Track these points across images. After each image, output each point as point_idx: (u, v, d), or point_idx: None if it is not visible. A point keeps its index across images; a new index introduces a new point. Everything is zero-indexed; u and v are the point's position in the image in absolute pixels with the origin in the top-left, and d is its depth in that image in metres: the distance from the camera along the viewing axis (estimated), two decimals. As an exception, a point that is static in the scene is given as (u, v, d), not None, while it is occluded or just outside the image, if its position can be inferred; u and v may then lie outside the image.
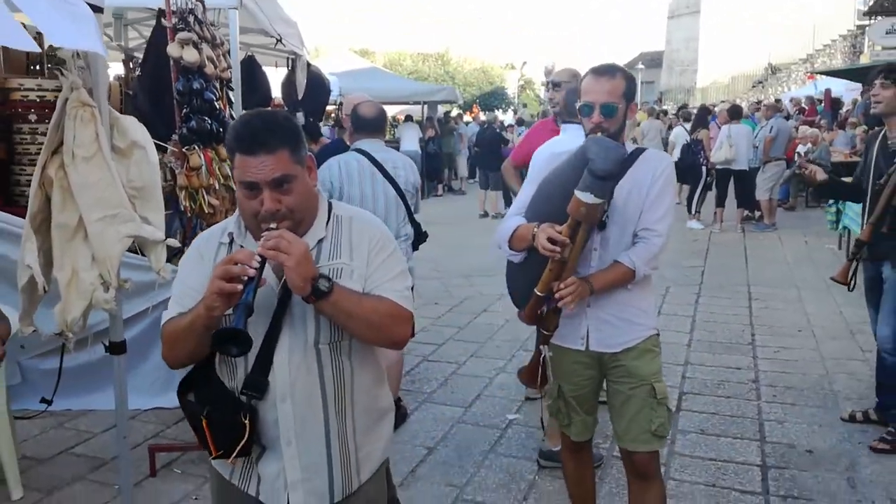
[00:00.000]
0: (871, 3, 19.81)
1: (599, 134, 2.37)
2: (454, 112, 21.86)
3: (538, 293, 2.40)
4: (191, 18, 3.43)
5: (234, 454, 1.75)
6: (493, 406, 4.53)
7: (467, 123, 18.62)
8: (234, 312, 1.59)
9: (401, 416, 4.24)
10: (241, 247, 1.77)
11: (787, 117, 12.53)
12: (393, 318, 1.78)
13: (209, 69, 3.45)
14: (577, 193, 2.22)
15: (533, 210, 2.51)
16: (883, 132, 3.86)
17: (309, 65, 7.84)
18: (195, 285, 1.77)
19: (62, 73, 2.89)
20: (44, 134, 4.29)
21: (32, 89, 4.40)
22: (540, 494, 3.48)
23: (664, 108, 26.55)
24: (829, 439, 4.05)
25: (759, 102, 16.46)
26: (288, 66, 7.70)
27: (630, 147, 2.54)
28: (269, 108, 1.98)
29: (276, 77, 8.43)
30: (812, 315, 6.38)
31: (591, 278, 2.44)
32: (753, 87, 35.88)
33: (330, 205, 1.87)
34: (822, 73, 20.49)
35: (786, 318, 6.39)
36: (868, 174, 3.85)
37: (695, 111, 13.96)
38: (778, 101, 16.00)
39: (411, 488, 3.55)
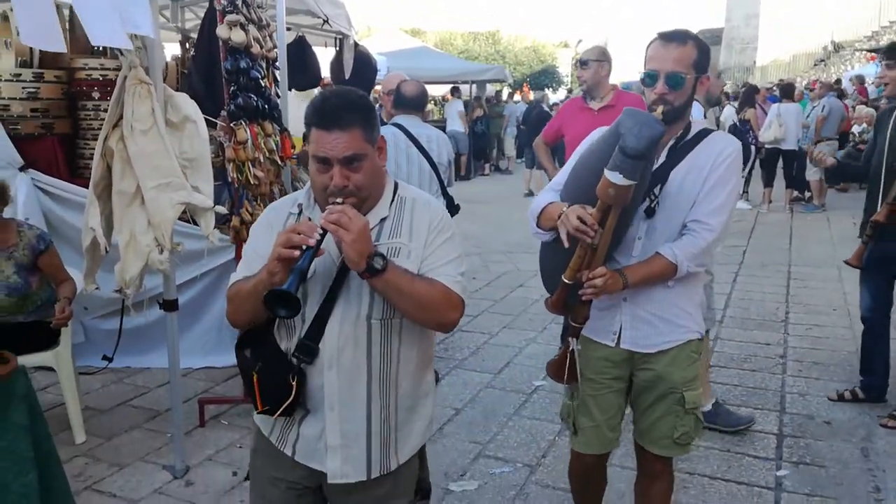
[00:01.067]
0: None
1: (660, 110, 2.15)
2: (504, 91, 21.86)
3: (565, 280, 2.18)
4: (238, 1, 3.67)
5: (279, 412, 1.82)
6: (521, 373, 4.74)
7: (516, 102, 18.63)
8: (290, 276, 1.64)
9: (434, 381, 4.48)
10: (309, 218, 1.84)
11: (841, 96, 12.24)
12: (444, 301, 1.81)
13: (255, 49, 3.69)
14: (606, 173, 1.99)
15: (567, 189, 2.28)
16: None
17: (356, 45, 8.05)
18: (262, 252, 1.83)
19: (122, 53, 3.17)
20: (106, 110, 4.65)
21: (96, 68, 4.74)
22: (559, 453, 3.67)
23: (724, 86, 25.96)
24: (849, 412, 4.13)
25: (814, 81, 16.06)
26: (336, 46, 7.93)
27: (697, 126, 2.30)
28: (347, 87, 2.13)
29: (325, 57, 8.69)
30: (849, 294, 6.37)
31: (626, 270, 2.22)
32: (815, 65, 34.77)
33: (396, 185, 1.92)
34: (875, 50, 19.78)
35: (822, 296, 6.41)
36: (882, 154, 3.89)
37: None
38: (838, 81, 15.61)
39: (437, 444, 3.79)
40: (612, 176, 1.98)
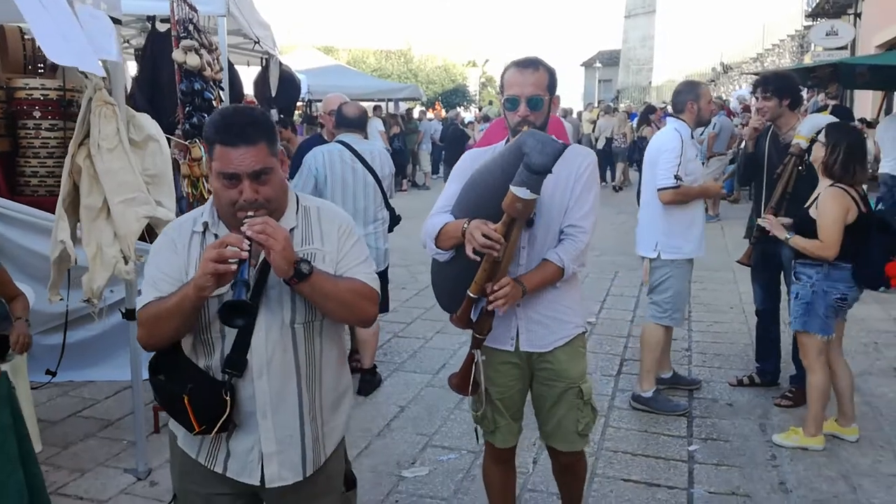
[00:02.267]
0: (813, 6, 20.78)
1: (525, 129, 2.29)
2: (416, 109, 22.34)
3: (471, 295, 2.30)
4: (190, 27, 3.90)
5: (216, 429, 1.84)
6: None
7: (430, 120, 19.13)
8: (234, 289, 1.69)
9: (376, 382, 4.78)
10: (216, 235, 1.87)
11: (731, 115, 13.30)
12: (363, 297, 1.92)
13: (207, 72, 3.93)
14: (513, 189, 2.11)
15: (461, 207, 2.40)
16: (772, 129, 4.51)
17: (280, 64, 8.28)
18: (170, 271, 1.87)
19: (86, 76, 3.35)
20: (47, 129, 4.80)
21: (37, 88, 4.82)
22: (498, 440, 4.03)
23: (619, 105, 27.34)
24: (747, 395, 4.69)
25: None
26: (261, 65, 8.13)
27: None
28: (246, 105, 2.28)
29: (246, 75, 8.85)
30: (744, 294, 7.03)
31: (523, 279, 2.39)
32: (706, 85, 36.95)
33: (297, 196, 2.00)
34: (754, 73, 21.36)
35: (721, 297, 7.08)
36: (762, 167, 4.49)
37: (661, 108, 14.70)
38: (721, 99, 16.84)
39: (386, 437, 4.09)
40: (520, 191, 2.10)
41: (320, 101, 15.71)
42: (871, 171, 7.98)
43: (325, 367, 1.96)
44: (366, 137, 4.61)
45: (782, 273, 4.56)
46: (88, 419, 4.35)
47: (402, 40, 39.74)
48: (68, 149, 3.34)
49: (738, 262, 4.83)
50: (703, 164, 11.49)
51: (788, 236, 3.80)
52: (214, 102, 4.04)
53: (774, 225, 3.91)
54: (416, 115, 20.11)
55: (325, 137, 4.81)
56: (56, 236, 3.27)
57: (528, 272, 2.43)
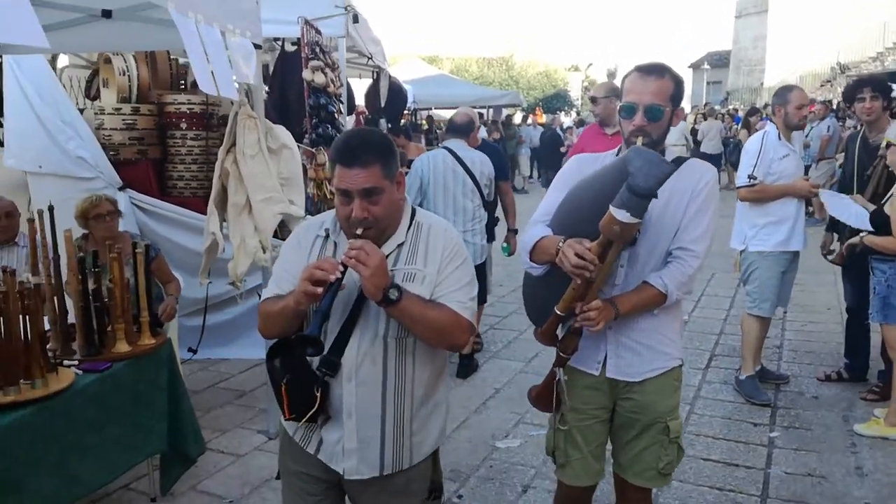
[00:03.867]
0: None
1: (640, 140, 2.15)
2: (517, 115, 22.72)
3: (558, 312, 2.18)
4: (317, 49, 4.47)
5: (304, 419, 1.97)
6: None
7: (529, 125, 19.49)
8: (313, 318, 1.82)
9: (473, 367, 5.23)
10: (335, 243, 2.03)
11: (843, 118, 12.96)
12: (454, 326, 1.96)
13: (331, 88, 4.49)
14: (612, 210, 1.97)
15: (559, 220, 2.26)
16: (862, 132, 4.65)
17: (389, 76, 8.89)
18: (291, 269, 2.01)
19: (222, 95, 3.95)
20: (192, 138, 5.50)
21: (183, 103, 5.54)
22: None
23: (729, 107, 26.74)
24: (834, 389, 4.82)
25: (819, 102, 16.80)
26: (372, 77, 8.75)
27: (671, 154, 2.31)
28: (368, 127, 2.41)
29: (358, 87, 9.52)
30: (843, 296, 7.04)
31: (617, 300, 2.20)
32: (822, 85, 35.41)
33: (413, 211, 2.06)
34: (860, 76, 20.47)
35: (818, 298, 7.10)
36: (853, 169, 4.63)
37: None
38: (839, 103, 16.31)
39: (482, 414, 4.52)
40: (619, 214, 1.95)
41: (425, 109, 16.37)
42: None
43: (415, 383, 2.02)
44: (471, 143, 5.05)
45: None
46: (226, 390, 5.00)
47: (504, 47, 40.28)
48: (218, 155, 3.96)
49: (830, 260, 4.98)
50: (811, 166, 11.32)
51: (862, 236, 3.97)
52: (336, 115, 4.59)
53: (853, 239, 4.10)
54: (516, 120, 20.49)
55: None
56: (208, 229, 3.89)
57: (625, 293, 2.23)
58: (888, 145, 4.10)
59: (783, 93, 4.73)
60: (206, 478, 3.74)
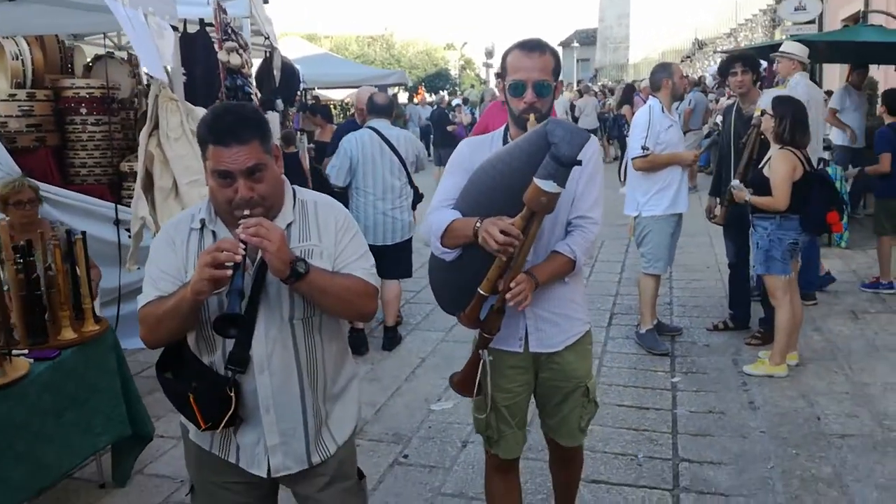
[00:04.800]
0: (782, -18, 21.42)
1: (532, 117, 2.21)
2: (402, 94, 22.87)
3: (483, 293, 2.17)
4: (229, 30, 4.47)
5: (223, 425, 1.85)
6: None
7: (415, 104, 19.70)
8: (229, 298, 1.72)
9: (398, 339, 5.43)
10: (213, 232, 1.89)
11: (705, 91, 13.96)
12: (361, 293, 1.91)
13: (245, 69, 4.51)
14: (538, 181, 1.98)
15: (471, 202, 2.22)
16: (736, 104, 5.20)
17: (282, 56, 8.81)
18: (169, 269, 1.88)
19: (151, 77, 3.92)
20: (94, 124, 5.37)
21: (82, 87, 5.37)
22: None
23: (600, 84, 27.96)
24: (722, 337, 5.38)
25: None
26: (266, 56, 8.65)
27: None
28: (237, 103, 2.29)
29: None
30: (719, 255, 7.72)
31: (534, 271, 2.24)
32: (682, 61, 37.43)
33: (294, 191, 1.99)
34: (725, 51, 22.05)
35: (698, 258, 7.77)
36: (729, 138, 5.17)
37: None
38: (700, 77, 17.52)
39: (413, 381, 4.74)
40: (545, 184, 1.98)
41: (312, 89, 16.17)
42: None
43: (326, 362, 1.98)
44: (392, 123, 5.23)
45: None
46: (148, 378, 4.91)
47: (382, 25, 40.11)
48: (140, 139, 3.92)
49: (713, 221, 5.52)
50: (679, 137, 12.20)
51: (748, 197, 4.47)
52: (252, 96, 4.61)
53: (737, 194, 4.59)
54: (402, 100, 20.64)
55: (358, 122, 5.45)
56: (136, 213, 3.87)
57: (539, 264, 2.28)
58: (762, 113, 4.61)
59: (666, 66, 5.22)
60: (151, 461, 3.76)
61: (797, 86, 5.95)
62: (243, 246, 1.71)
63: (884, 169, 6.17)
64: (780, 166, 4.31)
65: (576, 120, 17.16)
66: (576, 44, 45.60)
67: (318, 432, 1.98)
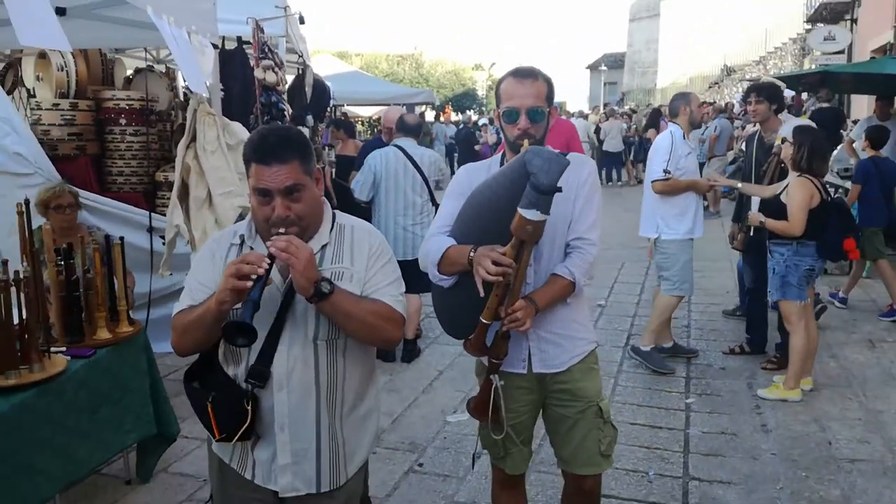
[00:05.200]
0: (811, 12, 21.45)
1: (526, 142, 2.23)
2: (429, 113, 23.15)
3: (485, 321, 2.18)
4: (266, 48, 4.66)
5: (237, 437, 1.87)
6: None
7: (442, 123, 19.95)
8: (243, 307, 1.73)
9: (417, 351, 5.55)
10: (252, 248, 1.93)
11: (731, 119, 14.00)
12: (387, 320, 1.91)
13: (280, 87, 4.69)
14: (522, 211, 2.02)
15: (462, 229, 2.28)
16: (758, 133, 5.28)
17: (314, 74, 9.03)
18: (206, 281, 1.92)
19: (191, 92, 4.11)
20: (132, 134, 5.57)
21: (122, 99, 5.60)
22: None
23: (627, 107, 28.03)
24: (738, 361, 5.42)
25: (710, 104, 18.02)
26: (297, 74, 8.88)
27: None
28: (282, 125, 2.38)
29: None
30: (746, 279, 7.79)
31: (534, 296, 2.27)
32: (710, 87, 37.52)
33: (334, 214, 2.02)
34: (751, 79, 22.07)
35: (717, 282, 7.81)
36: (751, 166, 5.25)
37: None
38: (727, 104, 17.56)
39: (430, 393, 4.85)
40: (529, 214, 2.00)
41: (342, 105, 16.46)
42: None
43: (347, 386, 1.97)
44: (419, 142, 5.40)
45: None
46: (175, 381, 5.06)
47: (411, 44, 40.61)
48: (178, 150, 4.10)
49: (733, 247, 5.60)
50: (703, 163, 12.29)
51: (762, 219, 4.54)
52: (285, 112, 4.79)
53: (752, 217, 4.68)
54: (429, 118, 20.91)
55: (385, 140, 5.62)
56: (171, 221, 4.04)
57: (539, 289, 2.32)
58: (783, 141, 4.70)
59: (685, 95, 5.32)
60: (175, 461, 3.90)
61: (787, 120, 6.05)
62: (269, 260, 1.75)
63: (851, 200, 6.56)
64: (797, 193, 4.38)
65: (601, 143, 17.27)
66: (603, 67, 45.77)
67: (332, 458, 1.97)
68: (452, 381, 5.05)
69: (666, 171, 5.01)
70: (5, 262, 2.65)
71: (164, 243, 4.30)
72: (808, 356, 4.65)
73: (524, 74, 2.34)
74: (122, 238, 3.46)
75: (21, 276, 2.75)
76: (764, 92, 5.27)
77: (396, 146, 5.20)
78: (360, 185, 5.23)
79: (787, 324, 4.63)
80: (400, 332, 1.99)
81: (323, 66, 17.43)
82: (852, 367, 5.23)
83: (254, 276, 1.72)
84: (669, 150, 5.04)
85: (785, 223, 4.41)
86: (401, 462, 3.91)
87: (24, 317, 2.74)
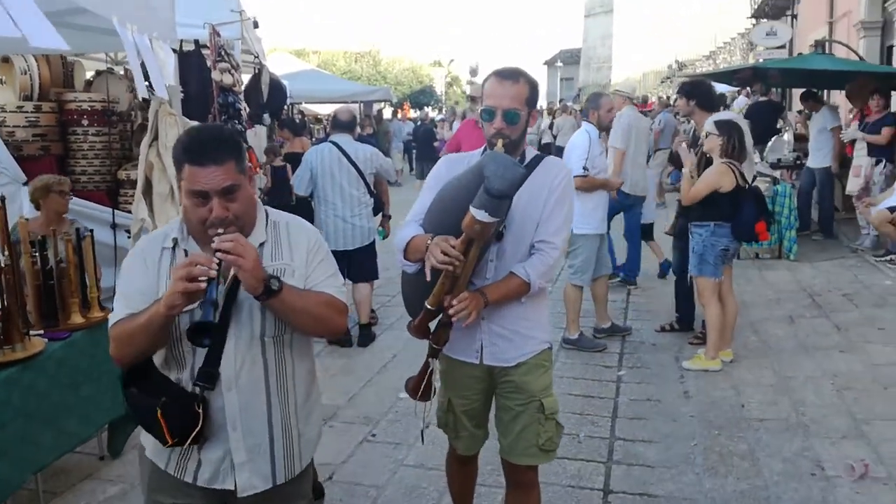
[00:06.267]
0: (755, 8, 22.25)
1: (500, 143, 2.30)
2: (387, 110, 23.43)
3: (429, 307, 2.29)
4: (223, 52, 4.96)
5: (189, 441, 1.86)
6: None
7: (400, 120, 20.27)
8: (203, 308, 1.74)
9: (371, 335, 5.91)
10: (185, 251, 1.91)
11: (676, 113, 14.56)
12: (332, 310, 1.96)
13: (236, 88, 4.99)
14: (472, 210, 2.11)
15: (430, 220, 2.39)
16: (693, 126, 5.76)
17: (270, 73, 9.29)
18: (141, 287, 1.89)
19: (153, 93, 4.40)
20: (95, 135, 5.83)
21: (84, 101, 5.85)
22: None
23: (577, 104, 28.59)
24: (668, 338, 5.89)
25: (659, 98, 18.63)
26: (253, 73, 9.13)
27: (531, 152, 2.50)
28: (214, 124, 2.37)
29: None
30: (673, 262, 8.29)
31: (486, 290, 2.36)
32: (662, 82, 38.44)
33: (266, 212, 2.03)
34: (689, 76, 22.81)
35: (654, 267, 8.29)
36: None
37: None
38: (673, 99, 18.18)
39: (384, 374, 5.22)
40: (478, 214, 2.09)
41: (299, 103, 16.66)
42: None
43: (296, 380, 2.01)
44: (354, 137, 5.73)
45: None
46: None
47: (369, 42, 40.83)
48: (141, 149, 4.39)
49: (665, 232, 6.06)
50: (650, 156, 12.80)
51: (693, 174, 5.05)
52: (242, 111, 5.10)
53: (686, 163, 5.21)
54: (386, 115, 21.21)
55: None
56: (137, 215, 4.33)
57: (493, 283, 2.40)
58: (707, 135, 5.15)
59: (595, 98, 5.78)
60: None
61: (623, 116, 6.85)
62: (217, 260, 1.75)
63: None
64: (709, 175, 4.94)
65: (555, 137, 17.75)
66: (559, 63, 46.46)
67: (287, 450, 2.00)
68: (405, 363, 5.39)
69: (585, 168, 5.38)
70: (-12, 252, 2.94)
71: (129, 237, 4.57)
72: (724, 328, 5.12)
73: (506, 76, 2.39)
74: (91, 231, 3.73)
75: (1, 264, 3.04)
76: (684, 89, 5.74)
77: (332, 142, 5.55)
78: (298, 181, 5.63)
79: (701, 298, 5.10)
80: (345, 321, 2.05)
81: (280, 64, 17.63)
82: (770, 341, 5.73)
83: (204, 278, 1.73)
84: (588, 148, 5.41)
85: (687, 187, 5.00)
86: (356, 434, 4.27)
87: (5, 302, 3.02)
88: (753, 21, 24.55)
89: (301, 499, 2.11)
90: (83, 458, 3.94)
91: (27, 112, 5.62)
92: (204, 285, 1.72)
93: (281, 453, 1.98)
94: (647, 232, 7.94)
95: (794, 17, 19.09)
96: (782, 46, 17.98)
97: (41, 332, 3.36)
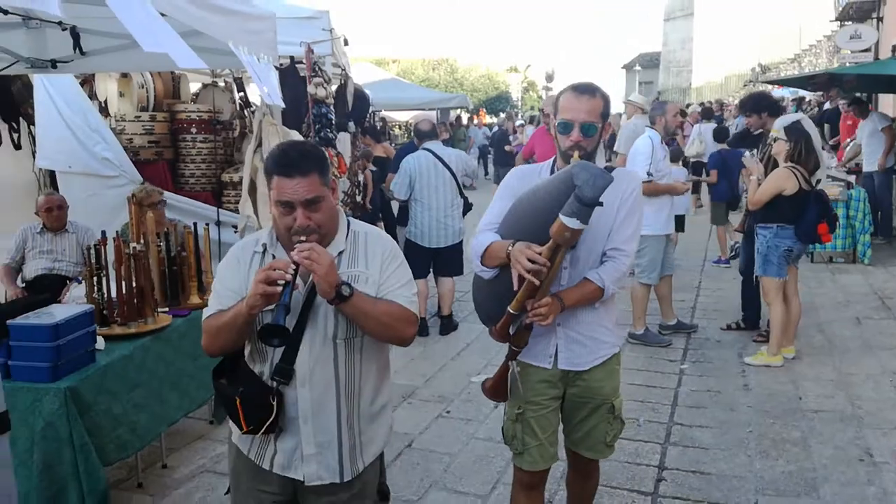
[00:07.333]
0: (839, 10, 21.69)
1: (577, 154, 2.39)
2: (464, 116, 23.96)
3: (511, 311, 2.36)
4: (316, 67, 5.49)
5: (262, 430, 2.00)
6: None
7: (476, 126, 20.76)
8: (275, 311, 1.86)
9: (452, 326, 6.38)
10: (273, 256, 2.05)
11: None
12: (401, 319, 2.05)
13: (328, 100, 5.51)
14: (563, 218, 2.17)
15: (509, 227, 2.45)
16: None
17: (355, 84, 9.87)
18: (233, 286, 2.05)
19: (255, 104, 4.95)
20: (202, 142, 6.46)
21: (193, 111, 6.50)
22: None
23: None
24: (733, 336, 6.09)
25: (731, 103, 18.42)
26: (341, 83, 9.71)
27: (601, 164, 2.55)
28: (301, 140, 2.56)
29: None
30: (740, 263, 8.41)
31: (562, 294, 2.43)
32: (745, 85, 37.55)
33: (349, 222, 2.15)
34: (768, 81, 22.36)
35: (728, 272, 8.43)
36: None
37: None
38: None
39: (458, 360, 5.64)
40: (569, 221, 2.16)
41: (379, 111, 17.33)
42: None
43: (364, 382, 2.11)
44: (451, 142, 6.20)
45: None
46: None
47: (444, 49, 41.57)
48: (246, 154, 4.95)
49: (735, 229, 6.27)
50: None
51: (760, 178, 5.26)
52: (333, 121, 5.62)
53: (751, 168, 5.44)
54: (463, 122, 21.73)
55: (416, 144, 6.45)
56: (243, 212, 4.88)
57: (569, 289, 2.47)
58: (775, 140, 5.36)
59: (660, 106, 6.02)
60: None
61: (630, 125, 7.20)
62: (294, 267, 1.89)
63: (712, 181, 8.73)
64: (772, 179, 5.13)
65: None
66: (638, 67, 46.01)
67: (351, 448, 2.10)
68: (478, 351, 5.82)
69: (649, 174, 5.65)
70: (126, 244, 3.51)
71: (235, 231, 5.14)
72: (787, 326, 5.31)
73: (582, 90, 2.48)
74: (207, 225, 4.29)
75: (136, 252, 3.61)
76: (748, 107, 5.98)
77: (426, 149, 6.00)
78: (397, 187, 6.07)
79: (766, 297, 5.30)
80: (413, 331, 2.12)
81: (362, 73, 18.32)
82: (835, 340, 5.87)
83: (282, 282, 1.87)
84: (650, 154, 5.66)
85: (753, 189, 5.22)
86: (432, 410, 4.70)
87: (141, 283, 3.59)
88: (838, 24, 23.91)
89: (366, 499, 2.20)
90: (195, 423, 4.50)
91: (143, 121, 6.30)
92: (279, 289, 1.87)
93: (347, 450, 2.09)
94: (678, 223, 8.12)
95: (879, 19, 18.57)
96: (867, 50, 17.52)
97: (166, 309, 3.92)
